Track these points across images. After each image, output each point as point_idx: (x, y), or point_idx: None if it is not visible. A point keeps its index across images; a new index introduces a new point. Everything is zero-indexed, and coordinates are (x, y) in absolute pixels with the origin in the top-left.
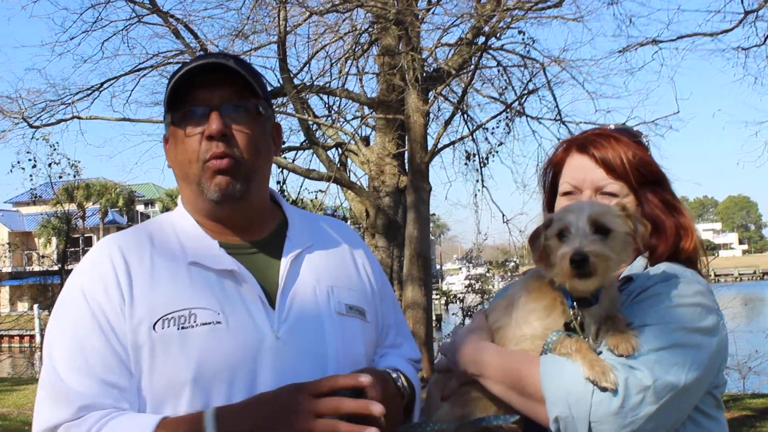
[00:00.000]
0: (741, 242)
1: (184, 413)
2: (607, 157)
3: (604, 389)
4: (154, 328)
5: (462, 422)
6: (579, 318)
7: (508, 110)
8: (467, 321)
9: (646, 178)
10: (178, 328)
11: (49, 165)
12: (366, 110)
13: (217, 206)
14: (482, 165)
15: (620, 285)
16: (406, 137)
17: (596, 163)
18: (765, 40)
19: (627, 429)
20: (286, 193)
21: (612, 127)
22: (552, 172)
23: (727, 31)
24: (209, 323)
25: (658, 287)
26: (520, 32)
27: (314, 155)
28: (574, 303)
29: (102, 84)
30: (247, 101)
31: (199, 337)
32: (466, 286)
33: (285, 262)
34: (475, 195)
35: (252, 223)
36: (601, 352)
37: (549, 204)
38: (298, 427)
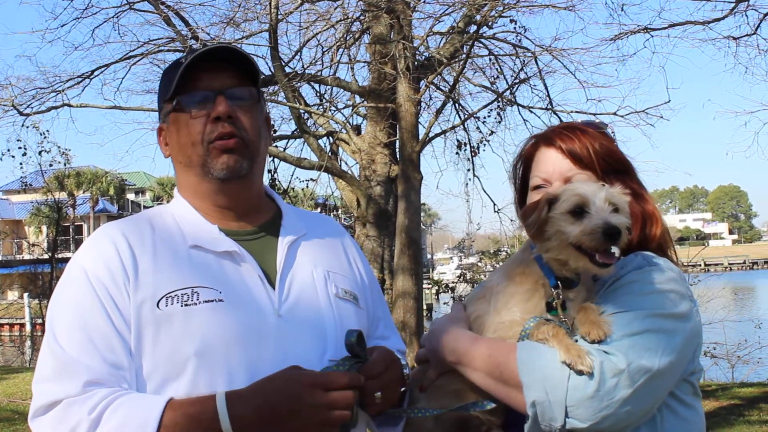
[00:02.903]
0: (731, 232)
1: (187, 388)
2: (574, 148)
3: (580, 372)
4: (158, 305)
5: (443, 410)
6: (561, 297)
7: (500, 99)
8: None
9: (612, 167)
10: (182, 305)
11: (40, 153)
12: (357, 99)
13: (223, 184)
14: (473, 154)
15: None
16: (397, 126)
17: (563, 154)
18: (756, 30)
19: (603, 413)
20: (277, 182)
21: (579, 121)
22: (522, 168)
23: (718, 19)
24: (211, 300)
25: (632, 275)
26: (511, 21)
27: (305, 144)
28: (558, 282)
29: (93, 71)
30: (249, 87)
31: (202, 313)
32: (457, 276)
33: (282, 247)
34: (467, 184)
35: (250, 209)
36: (577, 340)
37: (520, 200)
38: (317, 418)
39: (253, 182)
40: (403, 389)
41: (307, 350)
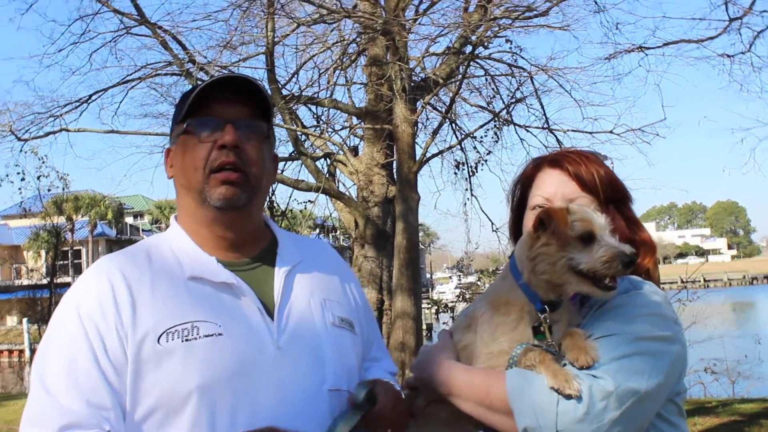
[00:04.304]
0: (730, 247)
1: (189, 422)
2: (581, 171)
3: (568, 397)
4: (158, 341)
5: None
6: (548, 321)
7: (496, 119)
8: None
9: (613, 195)
10: (183, 341)
11: (38, 178)
12: (354, 120)
13: (219, 213)
14: (471, 174)
15: (582, 298)
16: (395, 147)
17: (569, 176)
18: (750, 48)
19: None
20: (275, 204)
21: (582, 149)
22: (520, 189)
23: (712, 38)
24: (211, 335)
25: (618, 299)
26: (507, 41)
27: (303, 166)
28: (545, 306)
29: (90, 96)
30: (259, 121)
31: (203, 348)
32: (456, 295)
33: (279, 277)
34: (465, 204)
35: (247, 239)
36: (565, 364)
37: (515, 221)
38: None
39: (251, 214)
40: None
41: (306, 380)
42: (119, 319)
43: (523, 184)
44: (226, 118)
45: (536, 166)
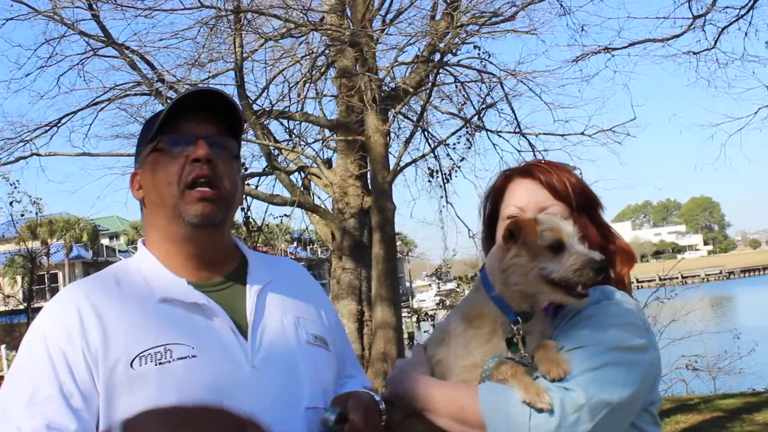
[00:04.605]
0: (706, 243)
1: None
2: (552, 180)
3: (540, 410)
4: (131, 365)
5: None
6: (521, 332)
7: (468, 125)
8: None
9: (585, 203)
10: (156, 364)
11: (11, 203)
12: (327, 133)
13: (194, 230)
14: (445, 181)
15: (554, 309)
16: (368, 158)
17: (541, 185)
18: (715, 44)
19: None
20: (251, 220)
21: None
22: (492, 200)
23: (677, 36)
24: (185, 357)
25: (590, 309)
26: (475, 47)
27: (277, 180)
28: (518, 318)
29: (60, 119)
30: (229, 139)
31: (177, 371)
32: (437, 303)
33: (251, 297)
34: (440, 211)
35: (218, 259)
36: (537, 377)
37: (487, 234)
38: None
39: (224, 232)
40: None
41: (283, 399)
42: (86, 345)
43: (495, 196)
44: (199, 134)
45: (506, 177)
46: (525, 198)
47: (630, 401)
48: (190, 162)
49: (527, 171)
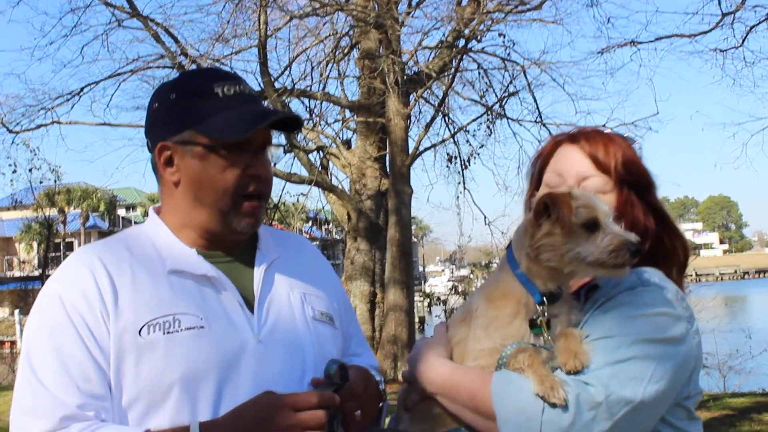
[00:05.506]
0: (722, 242)
1: (171, 415)
2: (596, 150)
3: (553, 405)
4: (140, 333)
5: None
6: (546, 315)
7: (489, 112)
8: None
9: (631, 179)
10: (164, 333)
11: (30, 170)
12: (347, 113)
13: (236, 235)
14: (464, 167)
15: (586, 293)
16: (387, 140)
17: (584, 154)
18: (743, 42)
19: None
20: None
21: (609, 129)
22: (540, 164)
23: (705, 32)
24: (193, 327)
25: (623, 297)
26: (500, 35)
27: (295, 159)
28: (543, 299)
29: (82, 89)
30: (277, 146)
31: (185, 341)
32: (449, 288)
33: (259, 271)
34: (457, 197)
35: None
36: (557, 368)
37: (531, 197)
38: None
39: None
40: (380, 404)
41: (287, 373)
42: (104, 309)
43: (542, 161)
44: (258, 145)
45: (556, 142)
46: (567, 166)
47: (656, 399)
48: (249, 175)
49: (574, 138)
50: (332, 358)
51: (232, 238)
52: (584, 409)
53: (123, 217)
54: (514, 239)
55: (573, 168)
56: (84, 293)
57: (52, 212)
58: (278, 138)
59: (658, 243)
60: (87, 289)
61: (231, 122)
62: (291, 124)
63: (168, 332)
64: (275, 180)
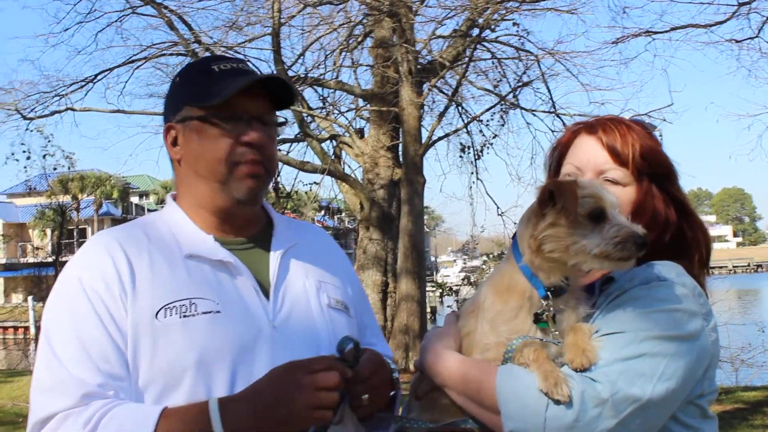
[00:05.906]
0: (735, 234)
1: (186, 398)
2: (615, 142)
3: (557, 401)
4: (156, 316)
5: (435, 424)
6: (551, 309)
7: (503, 102)
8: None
9: (651, 169)
10: (180, 317)
11: (44, 157)
12: (360, 102)
13: (239, 205)
14: (477, 157)
15: (601, 285)
16: (400, 130)
17: (602, 146)
18: (758, 33)
19: None
20: (281, 186)
21: (629, 117)
22: (558, 154)
23: (720, 22)
24: (209, 312)
25: (637, 291)
26: (514, 24)
27: (308, 147)
28: (548, 293)
29: (96, 76)
30: (275, 116)
31: (201, 324)
32: (461, 279)
33: (274, 258)
34: (470, 187)
35: (248, 222)
36: (564, 364)
37: None
38: (303, 400)
39: (260, 202)
40: (393, 393)
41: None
42: (122, 291)
43: (560, 151)
44: (252, 113)
45: (574, 132)
46: (584, 158)
47: (666, 397)
48: (243, 144)
49: (592, 128)
50: (346, 335)
51: (240, 212)
52: (589, 406)
53: (136, 205)
54: (518, 229)
55: (590, 161)
56: (103, 276)
57: (65, 199)
58: (289, 131)
59: (680, 235)
60: (106, 271)
61: (219, 89)
62: (286, 96)
63: (184, 316)
64: (288, 169)
